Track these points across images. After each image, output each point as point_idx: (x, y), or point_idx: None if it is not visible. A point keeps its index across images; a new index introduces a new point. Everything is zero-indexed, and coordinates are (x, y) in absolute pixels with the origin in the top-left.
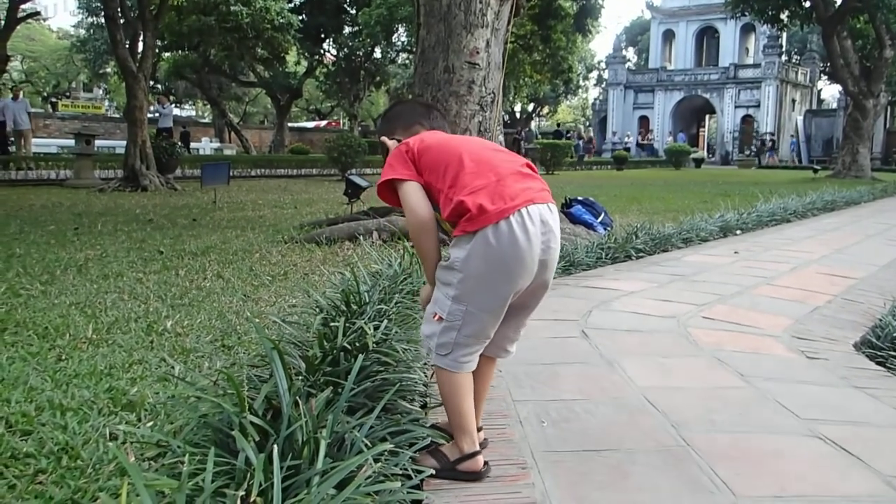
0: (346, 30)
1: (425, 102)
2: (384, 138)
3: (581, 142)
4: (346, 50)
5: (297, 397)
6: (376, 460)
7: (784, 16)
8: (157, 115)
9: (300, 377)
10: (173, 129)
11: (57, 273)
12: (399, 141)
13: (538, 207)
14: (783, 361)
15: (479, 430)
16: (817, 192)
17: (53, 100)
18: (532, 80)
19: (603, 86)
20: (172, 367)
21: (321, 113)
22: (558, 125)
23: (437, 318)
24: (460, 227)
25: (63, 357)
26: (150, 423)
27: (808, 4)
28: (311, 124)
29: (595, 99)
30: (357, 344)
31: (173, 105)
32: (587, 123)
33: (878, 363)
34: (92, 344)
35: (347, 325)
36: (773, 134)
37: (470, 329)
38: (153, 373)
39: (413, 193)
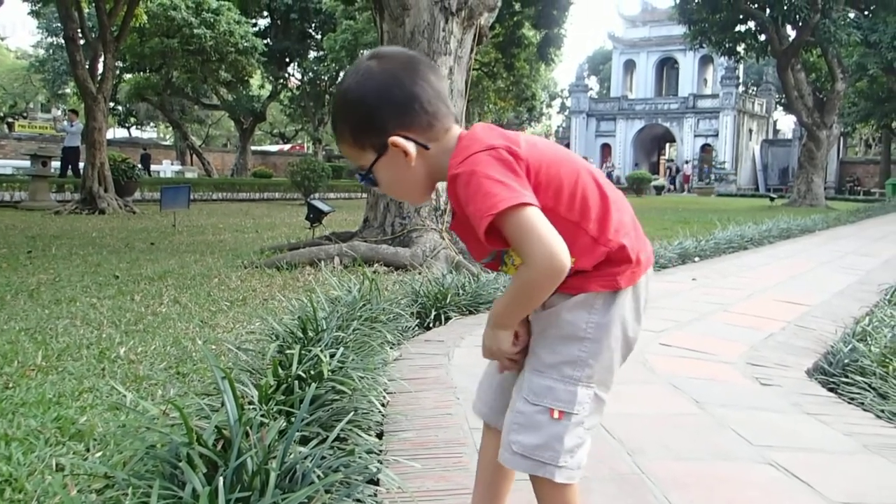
0: (311, 54)
1: (428, 63)
2: (401, 141)
3: None
4: (310, 74)
5: (249, 427)
6: (327, 491)
7: (740, 48)
8: (62, 133)
9: (252, 406)
10: (80, 150)
11: (7, 298)
12: (424, 146)
13: None
14: (738, 388)
15: None
16: (773, 220)
17: (10, 120)
18: (496, 106)
19: (566, 114)
20: (124, 396)
21: (285, 137)
22: None
23: (556, 414)
24: (606, 280)
25: (10, 385)
26: (99, 454)
27: (763, 38)
28: (274, 148)
29: (558, 126)
30: (312, 372)
31: (82, 124)
32: None
33: (830, 389)
34: (41, 371)
35: (303, 352)
36: (687, 161)
37: (593, 420)
38: (104, 401)
39: (547, 222)
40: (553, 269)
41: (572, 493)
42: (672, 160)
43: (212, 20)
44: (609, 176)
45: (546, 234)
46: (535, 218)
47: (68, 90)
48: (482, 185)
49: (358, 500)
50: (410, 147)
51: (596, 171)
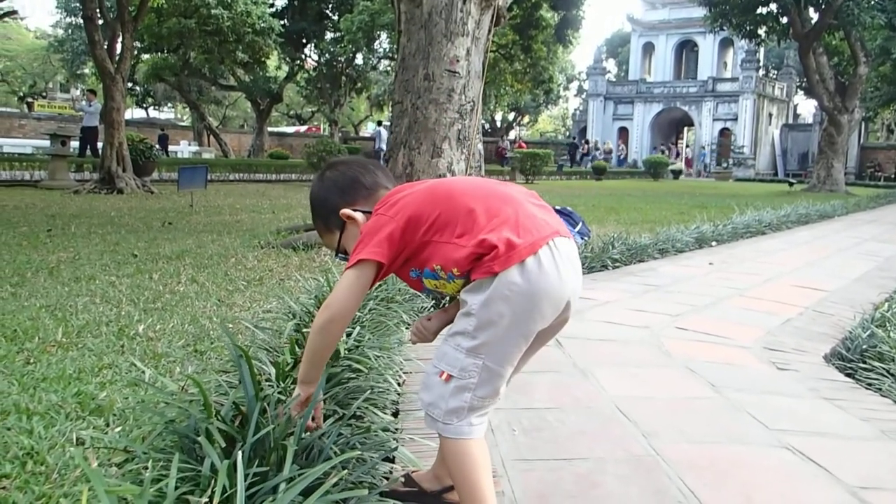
0: (328, 35)
1: (370, 161)
2: (348, 211)
3: (597, 153)
4: (327, 55)
5: (266, 404)
6: (344, 467)
7: (762, 31)
8: (81, 113)
9: (270, 383)
10: (98, 130)
11: (28, 275)
12: (366, 213)
13: (565, 241)
14: (754, 372)
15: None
16: (792, 206)
17: (29, 100)
18: (513, 89)
19: (583, 96)
20: (143, 372)
21: (301, 118)
22: (573, 138)
23: (444, 377)
24: (483, 268)
25: (31, 360)
26: (119, 429)
27: (784, 20)
28: (291, 129)
29: (575, 109)
30: None
31: (100, 104)
32: (567, 133)
33: (848, 375)
34: (61, 347)
35: None
36: (688, 146)
37: (486, 389)
38: (123, 377)
39: (359, 284)
40: (325, 316)
41: (467, 448)
42: (671, 145)
43: (229, 1)
44: (620, 160)
45: (345, 290)
46: (354, 276)
47: (87, 70)
48: (362, 235)
49: (374, 476)
50: (357, 215)
51: (480, 186)
